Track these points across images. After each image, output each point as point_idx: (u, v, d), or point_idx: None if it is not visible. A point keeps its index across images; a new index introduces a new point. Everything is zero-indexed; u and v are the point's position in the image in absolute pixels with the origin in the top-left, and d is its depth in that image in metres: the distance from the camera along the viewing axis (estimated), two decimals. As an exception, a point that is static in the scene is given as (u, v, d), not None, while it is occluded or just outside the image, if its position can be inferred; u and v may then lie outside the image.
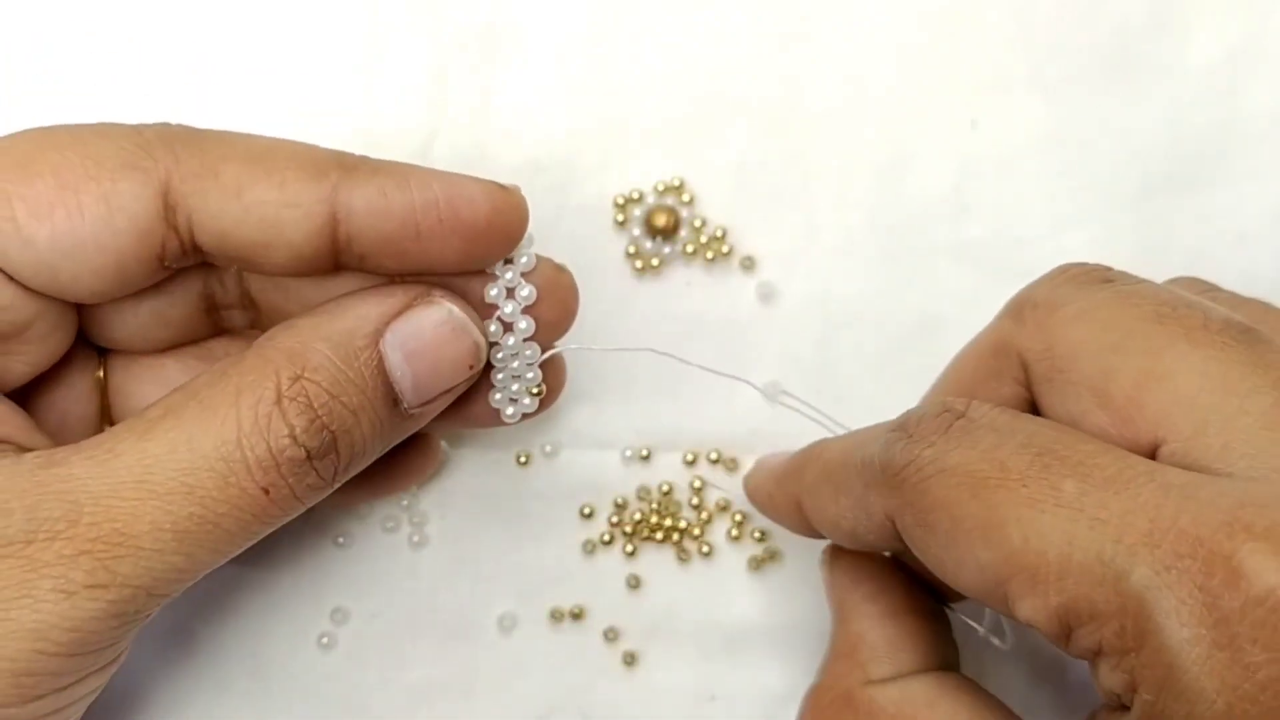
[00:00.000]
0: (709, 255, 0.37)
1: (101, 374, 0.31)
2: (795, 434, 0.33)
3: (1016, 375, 0.28)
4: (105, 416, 0.31)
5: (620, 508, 0.36)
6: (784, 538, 0.36)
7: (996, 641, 0.32)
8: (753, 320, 0.37)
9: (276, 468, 0.26)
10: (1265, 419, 0.24)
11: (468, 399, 0.30)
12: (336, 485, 0.27)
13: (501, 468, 0.36)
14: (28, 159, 0.27)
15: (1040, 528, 0.23)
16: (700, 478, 0.36)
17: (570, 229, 0.36)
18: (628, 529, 0.36)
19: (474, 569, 0.36)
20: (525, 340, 0.30)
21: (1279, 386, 0.24)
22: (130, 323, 0.30)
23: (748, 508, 0.35)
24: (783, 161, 0.37)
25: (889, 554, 0.31)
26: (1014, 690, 0.35)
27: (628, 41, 0.37)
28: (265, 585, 0.35)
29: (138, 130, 0.28)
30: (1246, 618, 0.21)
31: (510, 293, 0.29)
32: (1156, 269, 0.36)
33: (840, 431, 0.34)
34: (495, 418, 0.31)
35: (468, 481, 0.36)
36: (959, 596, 0.31)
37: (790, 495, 0.31)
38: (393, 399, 0.27)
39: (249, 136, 0.28)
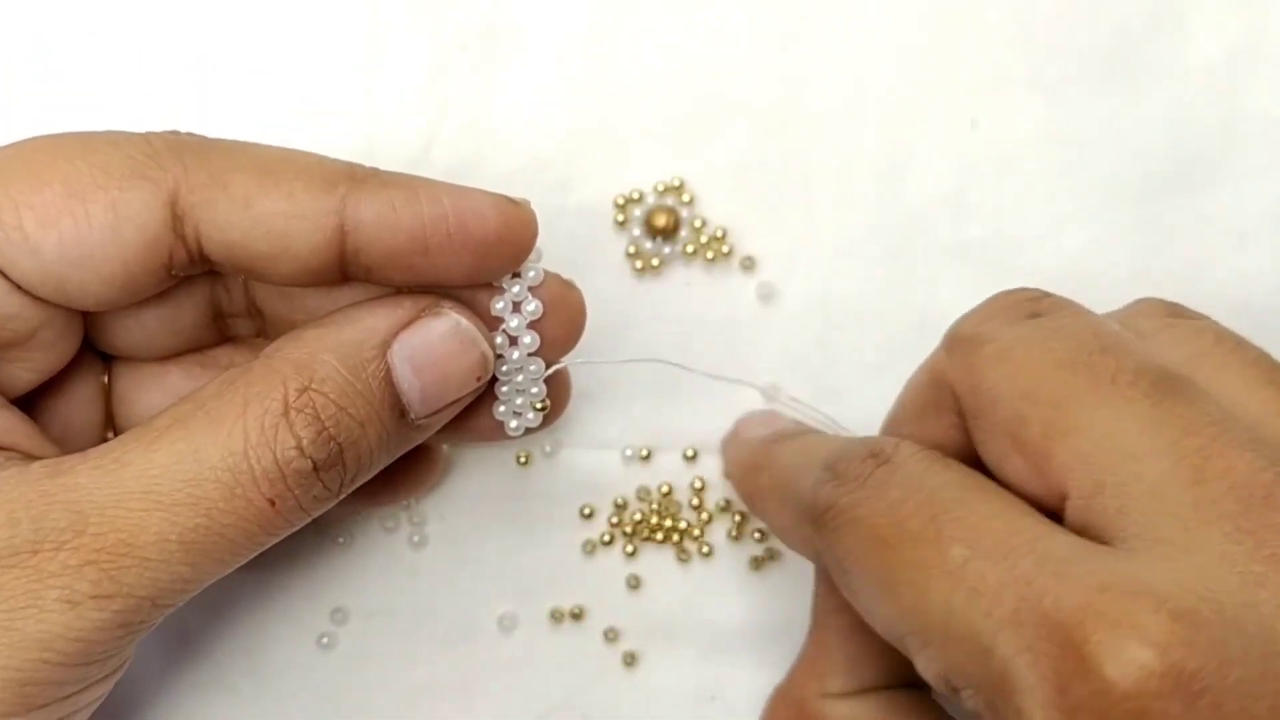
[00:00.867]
0: (709, 255, 0.37)
1: (106, 381, 0.31)
2: (795, 434, 0.33)
3: (953, 407, 0.28)
4: (109, 423, 0.31)
5: (620, 508, 0.36)
6: (784, 538, 0.36)
7: None
8: (753, 320, 0.37)
9: (283, 479, 0.26)
10: (1155, 486, 0.23)
11: (472, 412, 0.30)
12: (342, 496, 0.27)
13: (502, 468, 0.36)
14: (37, 167, 0.27)
15: (927, 591, 0.24)
16: (701, 478, 0.36)
17: (570, 229, 0.36)
18: (628, 529, 0.36)
19: (474, 569, 0.36)
20: (530, 355, 0.30)
21: (1177, 448, 0.23)
22: (136, 330, 0.30)
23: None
24: (783, 161, 0.37)
25: None
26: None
27: (628, 41, 0.37)
28: (265, 585, 0.36)
29: (147, 139, 0.27)
30: (1092, 708, 0.21)
31: (516, 307, 0.29)
32: (1156, 269, 0.37)
33: (842, 432, 0.34)
34: (499, 431, 0.31)
35: (468, 481, 0.36)
36: None
37: (754, 488, 0.32)
38: (400, 410, 0.27)
39: (259, 147, 0.28)
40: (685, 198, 0.37)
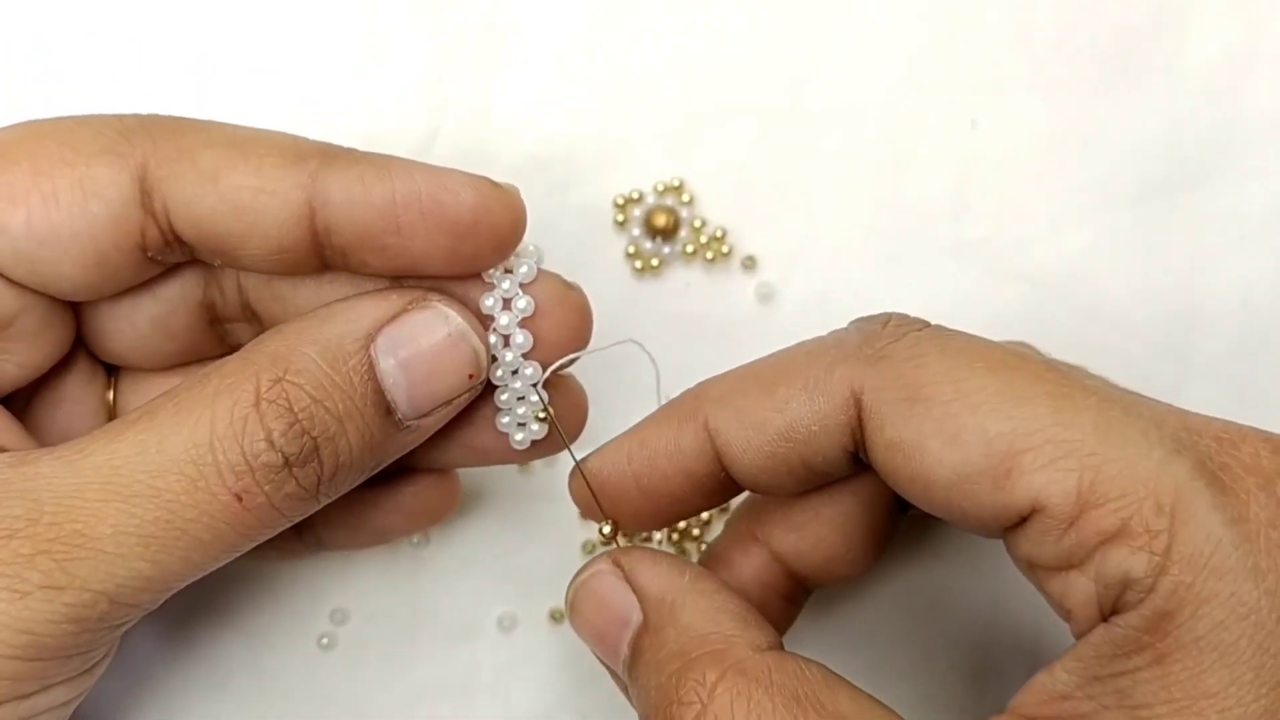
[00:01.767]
0: (709, 255, 0.37)
1: (111, 394, 0.31)
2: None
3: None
4: None
5: (620, 508, 0.36)
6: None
7: None
8: (752, 320, 0.37)
9: (251, 473, 0.25)
10: None
11: (474, 428, 0.29)
12: (323, 499, 0.26)
13: (502, 468, 0.36)
14: (4, 149, 0.26)
15: (1072, 406, 0.23)
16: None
17: (570, 229, 0.36)
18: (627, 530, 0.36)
19: (474, 569, 0.36)
20: (525, 356, 0.28)
21: None
22: (129, 333, 0.29)
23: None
24: (783, 161, 0.37)
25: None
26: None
27: (628, 41, 0.37)
28: (265, 585, 0.35)
29: (119, 119, 0.27)
30: None
31: (507, 304, 0.28)
32: (1156, 269, 0.37)
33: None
34: (508, 451, 0.30)
35: (468, 482, 0.36)
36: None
37: (666, 443, 0.28)
38: (385, 408, 0.26)
39: (233, 126, 0.28)
40: (685, 198, 0.37)
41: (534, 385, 0.29)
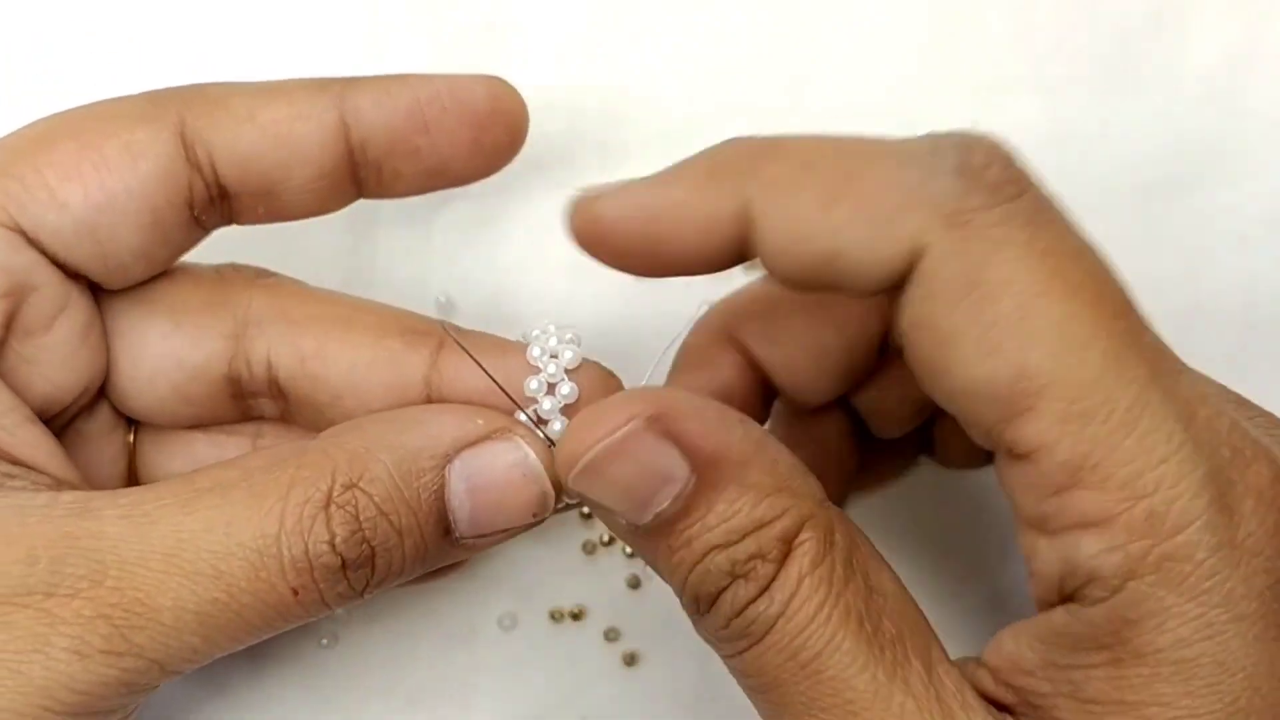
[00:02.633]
0: (709, 255, 0.36)
1: (131, 439, 0.31)
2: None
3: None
4: (131, 481, 0.31)
5: (620, 508, 0.36)
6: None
7: None
8: (753, 320, 0.36)
9: (310, 571, 0.25)
10: None
11: None
12: (367, 598, 0.27)
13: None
14: (46, 133, 0.28)
15: (1119, 371, 0.23)
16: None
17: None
18: (628, 529, 0.36)
19: (474, 569, 0.36)
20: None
21: None
22: (150, 395, 0.30)
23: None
24: (783, 161, 0.37)
25: None
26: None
27: (628, 41, 0.37)
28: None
29: (145, 92, 0.29)
30: None
31: (551, 388, 0.28)
32: (1156, 269, 0.36)
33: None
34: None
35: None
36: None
37: (698, 199, 0.26)
38: (445, 526, 0.27)
39: (252, 81, 0.29)
40: (685, 198, 0.37)
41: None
